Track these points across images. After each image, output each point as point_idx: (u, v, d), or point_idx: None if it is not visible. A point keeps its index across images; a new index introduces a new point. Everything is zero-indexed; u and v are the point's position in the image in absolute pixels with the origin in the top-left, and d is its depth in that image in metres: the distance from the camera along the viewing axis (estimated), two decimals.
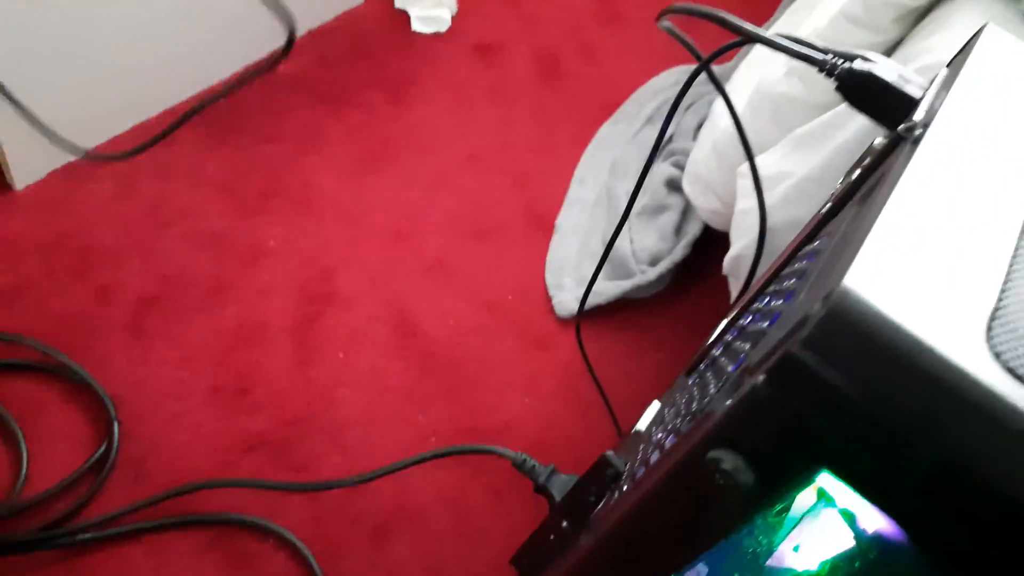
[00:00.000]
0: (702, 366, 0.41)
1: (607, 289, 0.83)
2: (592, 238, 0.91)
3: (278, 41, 0.50)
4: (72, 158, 0.77)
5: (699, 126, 1.00)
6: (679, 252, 0.86)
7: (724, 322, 0.41)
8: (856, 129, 0.47)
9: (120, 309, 0.70)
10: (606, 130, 1.03)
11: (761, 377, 0.22)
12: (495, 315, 0.79)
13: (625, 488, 0.36)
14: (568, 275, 0.86)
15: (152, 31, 0.78)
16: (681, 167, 0.94)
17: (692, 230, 0.89)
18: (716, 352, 0.40)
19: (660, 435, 0.37)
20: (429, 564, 0.62)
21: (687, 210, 0.92)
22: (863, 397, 0.21)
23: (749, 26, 0.35)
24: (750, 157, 0.53)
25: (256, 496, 0.62)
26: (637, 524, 0.30)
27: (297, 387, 0.69)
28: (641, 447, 0.40)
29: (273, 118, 0.88)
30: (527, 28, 1.07)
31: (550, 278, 0.85)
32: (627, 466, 0.40)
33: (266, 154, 0.85)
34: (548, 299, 0.83)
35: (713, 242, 0.85)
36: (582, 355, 0.65)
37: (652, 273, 0.84)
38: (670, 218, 0.91)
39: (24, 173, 0.75)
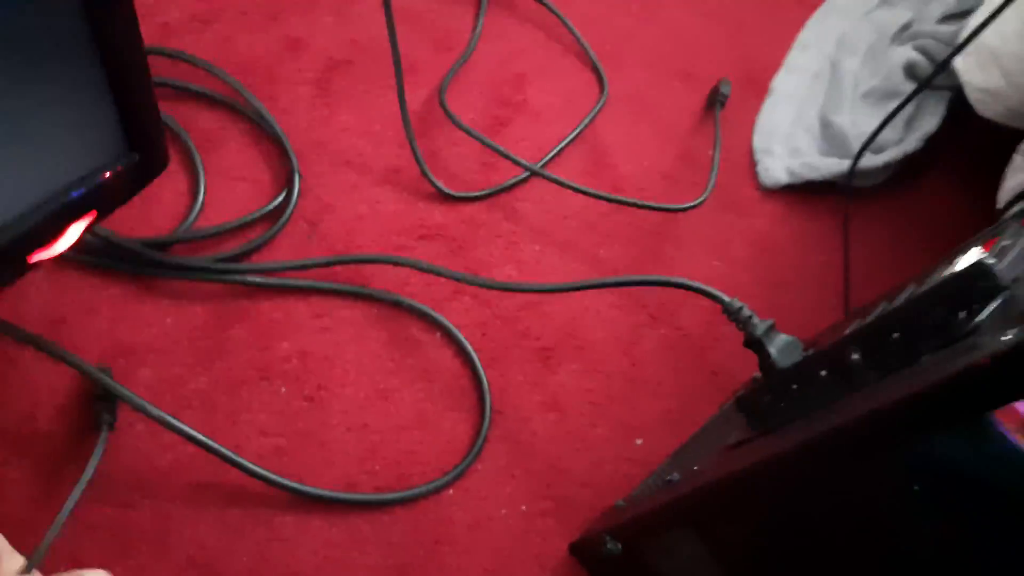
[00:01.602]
0: None
1: (823, 165, 0.73)
2: (809, 109, 0.80)
3: None
4: None
5: (945, 17, 0.87)
6: (912, 143, 0.75)
7: None
8: None
9: (309, 63, 0.64)
10: None
11: None
12: (690, 166, 0.71)
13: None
14: (779, 142, 0.76)
15: None
16: (925, 52, 0.81)
17: (927, 124, 0.78)
18: None
19: None
20: (593, 400, 0.57)
21: (923, 102, 0.80)
22: None
23: None
24: None
25: (427, 286, 0.57)
26: None
27: (479, 184, 0.63)
28: None
29: None
30: None
31: (758, 141, 0.75)
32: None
33: None
34: (752, 163, 0.74)
35: (947, 143, 0.74)
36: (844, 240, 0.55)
37: (879, 159, 0.73)
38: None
39: None
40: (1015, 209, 0.40)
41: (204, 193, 0.56)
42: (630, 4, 0.79)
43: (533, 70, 0.72)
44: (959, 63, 0.69)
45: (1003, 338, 0.24)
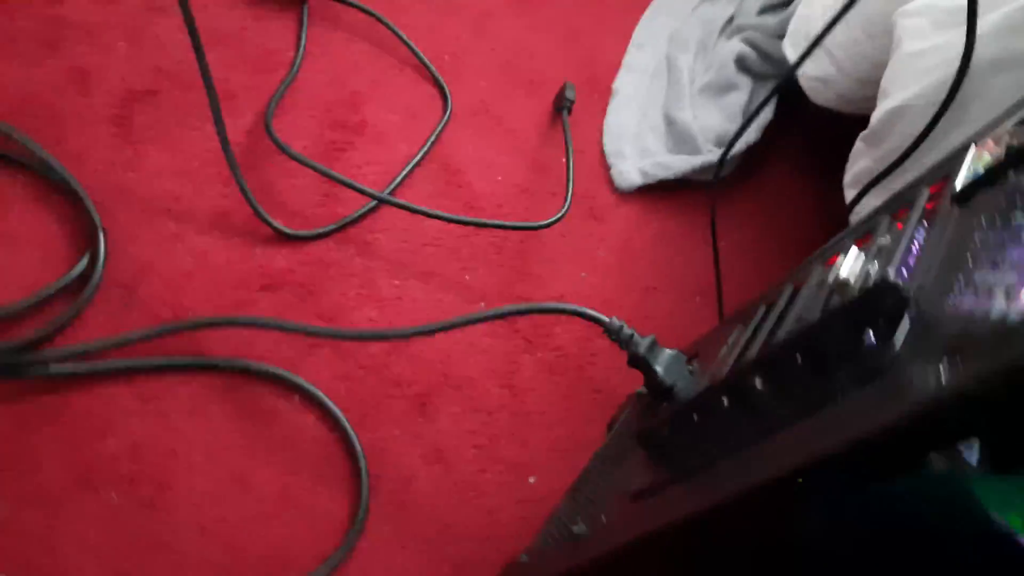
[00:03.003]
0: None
1: (674, 163, 0.73)
2: (652, 108, 0.80)
3: None
4: None
5: (762, 9, 0.90)
6: (753, 134, 0.76)
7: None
8: None
9: (104, 98, 0.55)
10: None
11: None
12: (546, 176, 0.68)
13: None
14: (628, 143, 0.75)
15: None
16: (753, 44, 0.83)
17: (764, 114, 0.80)
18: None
19: None
20: (478, 442, 0.52)
21: (756, 93, 0.82)
22: None
23: None
24: None
25: (276, 344, 0.50)
26: None
27: (323, 219, 0.57)
28: None
29: None
30: None
31: (609, 144, 0.74)
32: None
33: None
34: (604, 166, 0.72)
35: (783, 130, 0.76)
36: (712, 241, 0.54)
37: (720, 153, 0.74)
38: (737, 98, 0.81)
39: None
40: (880, 204, 0.40)
41: None
42: (461, 13, 0.75)
43: (368, 87, 0.66)
44: (788, 51, 0.71)
45: (935, 377, 0.22)
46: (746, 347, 0.39)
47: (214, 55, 0.60)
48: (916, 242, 0.31)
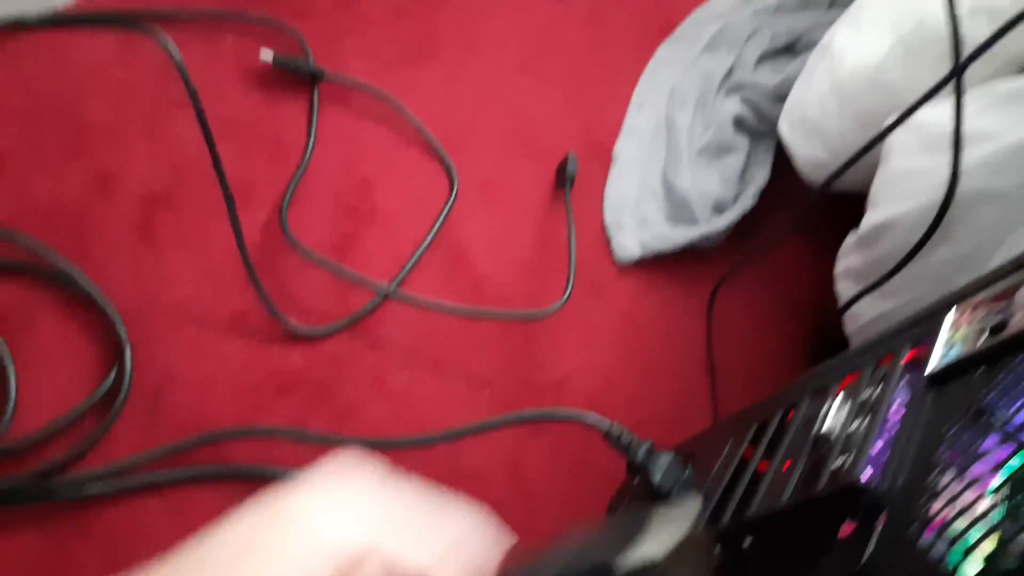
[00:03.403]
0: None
1: (673, 235, 0.75)
2: (651, 174, 0.82)
3: None
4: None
5: (761, 58, 0.92)
6: (748, 200, 0.78)
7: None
8: None
9: (126, 203, 0.57)
10: (665, 51, 0.92)
11: None
12: (549, 252, 0.70)
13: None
14: (628, 214, 0.77)
15: None
16: (751, 103, 0.85)
17: (759, 177, 0.82)
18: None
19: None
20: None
21: (753, 153, 0.84)
22: None
23: None
24: (958, 113, 0.45)
25: (296, 446, 0.53)
26: None
27: (336, 315, 0.59)
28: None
29: None
30: None
31: (609, 215, 0.76)
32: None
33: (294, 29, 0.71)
34: (605, 238, 0.74)
35: (775, 192, 0.78)
36: (707, 327, 0.57)
37: (720, 223, 0.76)
38: (735, 161, 0.83)
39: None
40: (870, 340, 0.42)
41: (16, 391, 0.48)
42: (464, 81, 0.76)
43: (378, 171, 0.68)
44: (784, 131, 0.72)
45: None
46: (733, 478, 0.42)
47: (230, 146, 0.62)
48: (892, 421, 0.34)
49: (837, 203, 0.67)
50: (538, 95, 0.79)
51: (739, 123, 0.84)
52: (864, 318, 0.57)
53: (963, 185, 0.46)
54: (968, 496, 0.27)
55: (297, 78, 0.68)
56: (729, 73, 0.91)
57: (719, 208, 0.79)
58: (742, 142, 0.84)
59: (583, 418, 0.53)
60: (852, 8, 0.69)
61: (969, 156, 0.46)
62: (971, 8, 0.51)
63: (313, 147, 0.66)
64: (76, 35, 0.61)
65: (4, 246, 0.52)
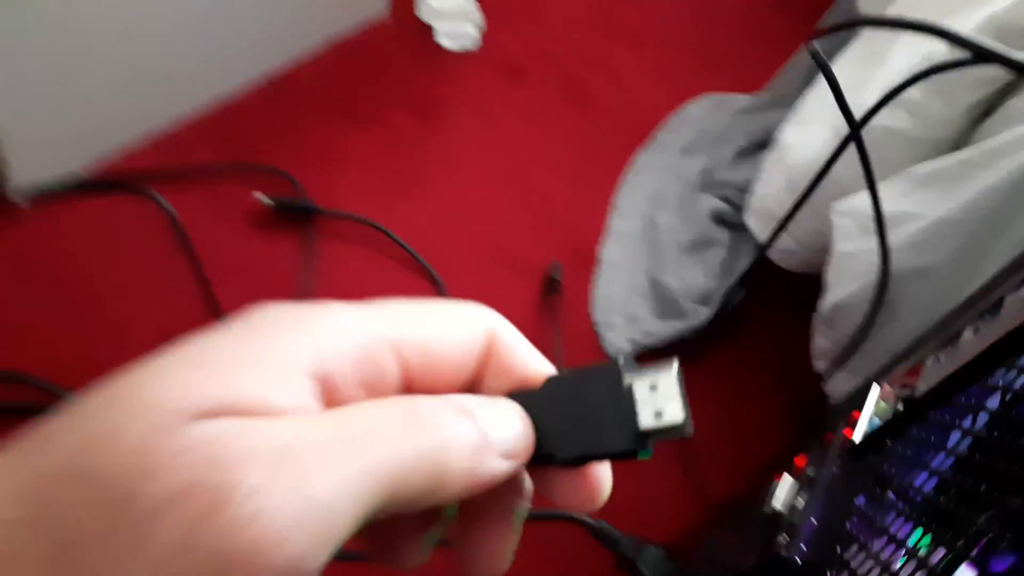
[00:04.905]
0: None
1: (661, 330, 0.78)
2: (637, 274, 0.85)
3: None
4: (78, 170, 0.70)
5: (737, 155, 0.97)
6: (732, 289, 0.81)
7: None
8: (1010, 170, 0.43)
9: (141, 350, 0.63)
10: (644, 159, 0.98)
11: None
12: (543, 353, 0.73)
13: None
14: (617, 313, 0.80)
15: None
16: (729, 200, 0.89)
17: (740, 267, 0.85)
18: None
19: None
20: None
21: (734, 246, 0.88)
22: None
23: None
24: (874, 197, 0.48)
25: None
26: None
27: None
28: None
29: (292, 135, 0.81)
30: (553, 46, 1.02)
31: (599, 315, 0.79)
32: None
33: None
34: (593, 339, 0.78)
35: (761, 278, 0.81)
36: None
37: (705, 313, 0.79)
38: (717, 254, 0.87)
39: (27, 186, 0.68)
40: (842, 384, 0.44)
41: None
42: (448, 203, 0.82)
43: (373, 295, 0.73)
44: (753, 225, 0.76)
45: None
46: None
47: (231, 290, 0.68)
48: (821, 496, 0.36)
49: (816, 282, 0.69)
50: (520, 207, 0.85)
51: (719, 218, 0.89)
52: (841, 393, 0.59)
53: (896, 264, 0.48)
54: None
55: (293, 216, 0.75)
56: (708, 173, 0.96)
57: (703, 299, 0.82)
58: (723, 235, 0.88)
59: (573, 518, 0.55)
60: (797, 105, 0.74)
61: (897, 236, 0.49)
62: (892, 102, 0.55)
63: (310, 282, 0.72)
64: (87, 199, 0.70)
65: (24, 389, 0.58)
